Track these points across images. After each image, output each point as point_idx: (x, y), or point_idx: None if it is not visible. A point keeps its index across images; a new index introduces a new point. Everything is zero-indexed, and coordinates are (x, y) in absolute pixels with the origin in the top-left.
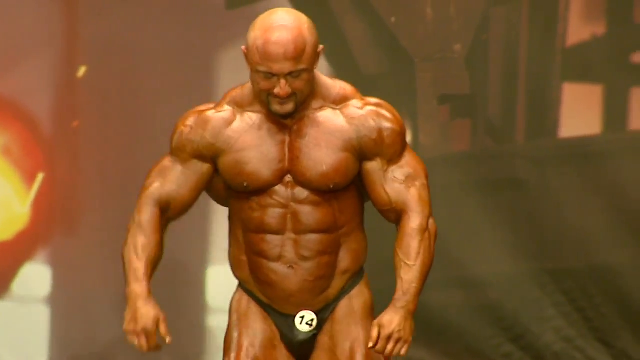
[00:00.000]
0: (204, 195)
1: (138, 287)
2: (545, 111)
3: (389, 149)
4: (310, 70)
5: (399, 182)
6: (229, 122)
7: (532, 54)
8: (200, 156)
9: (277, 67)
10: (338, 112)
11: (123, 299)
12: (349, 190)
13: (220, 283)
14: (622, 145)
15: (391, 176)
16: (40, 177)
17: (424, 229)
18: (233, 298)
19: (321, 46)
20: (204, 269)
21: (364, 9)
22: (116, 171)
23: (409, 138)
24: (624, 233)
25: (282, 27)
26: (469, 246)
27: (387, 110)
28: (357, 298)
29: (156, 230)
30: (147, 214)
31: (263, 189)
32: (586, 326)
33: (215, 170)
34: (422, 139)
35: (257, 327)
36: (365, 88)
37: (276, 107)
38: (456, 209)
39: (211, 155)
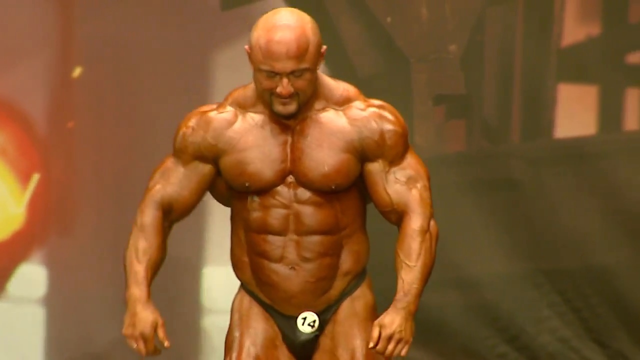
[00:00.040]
0: None
1: (137, 291)
2: (540, 112)
3: (391, 150)
4: (312, 70)
5: (401, 184)
6: (230, 123)
7: (528, 54)
8: (201, 157)
9: (280, 66)
10: (340, 113)
11: (119, 300)
12: (351, 192)
13: (216, 283)
14: (618, 145)
15: (392, 177)
16: (35, 177)
17: (425, 230)
18: (235, 298)
19: (324, 46)
20: (199, 269)
21: (359, 10)
22: (112, 172)
23: None
24: (619, 233)
25: (285, 26)
26: (464, 246)
27: (390, 112)
28: (359, 299)
29: (158, 233)
30: (149, 217)
31: (265, 190)
32: (582, 327)
33: (217, 171)
34: (418, 140)
35: (259, 327)
36: (360, 88)
37: (279, 108)
38: (451, 210)
39: (212, 156)
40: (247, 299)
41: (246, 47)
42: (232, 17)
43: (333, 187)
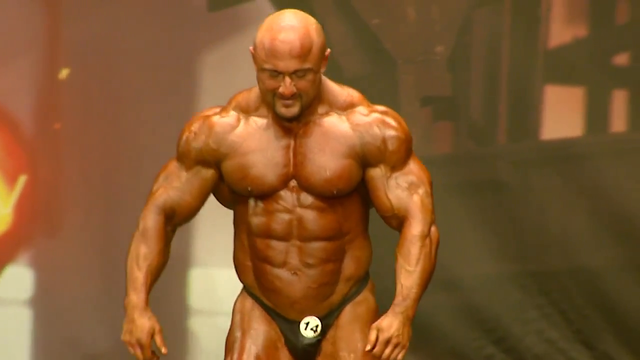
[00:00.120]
0: None
1: (135, 297)
2: (527, 113)
3: (392, 156)
4: (316, 71)
5: (402, 189)
6: (233, 127)
7: (514, 56)
8: (204, 162)
9: (283, 65)
10: (343, 118)
11: (106, 301)
12: (354, 197)
13: (202, 285)
14: (604, 147)
15: (394, 183)
16: (22, 178)
17: (425, 236)
18: (237, 300)
19: (328, 50)
20: (186, 270)
21: (346, 11)
22: (99, 173)
23: None
24: (606, 235)
25: (289, 26)
26: (450, 248)
27: (393, 118)
28: (362, 304)
29: (159, 239)
30: (150, 222)
31: (267, 194)
32: (568, 328)
33: (220, 175)
34: None
35: (261, 329)
36: None
37: (281, 110)
38: (438, 211)
39: (215, 161)
40: (249, 301)
41: (250, 48)
42: (219, 18)
43: (335, 192)
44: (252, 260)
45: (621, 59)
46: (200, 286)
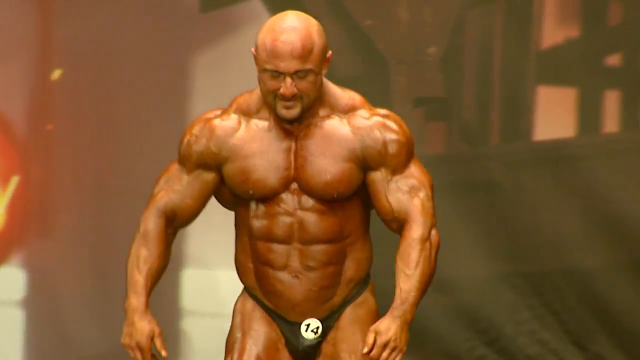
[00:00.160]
0: None
1: (135, 300)
2: (519, 114)
3: (393, 159)
4: (317, 72)
5: (402, 193)
6: (234, 130)
7: (507, 56)
8: (205, 166)
9: (284, 65)
10: (345, 121)
11: (98, 302)
12: (355, 199)
13: (195, 286)
14: (597, 148)
15: (394, 186)
16: (14, 179)
17: (425, 239)
18: (237, 301)
19: (330, 52)
20: (178, 271)
21: (338, 12)
22: (91, 174)
23: None
24: (598, 236)
25: (291, 27)
26: (443, 249)
27: (394, 121)
28: (362, 306)
29: (160, 241)
30: (151, 224)
31: (269, 197)
32: (560, 329)
33: (221, 178)
34: None
35: (262, 330)
36: None
37: (282, 112)
38: None
39: (216, 164)
40: (250, 302)
41: (252, 50)
42: (211, 19)
43: (335, 196)
44: (253, 263)
45: (613, 59)
46: (192, 287)
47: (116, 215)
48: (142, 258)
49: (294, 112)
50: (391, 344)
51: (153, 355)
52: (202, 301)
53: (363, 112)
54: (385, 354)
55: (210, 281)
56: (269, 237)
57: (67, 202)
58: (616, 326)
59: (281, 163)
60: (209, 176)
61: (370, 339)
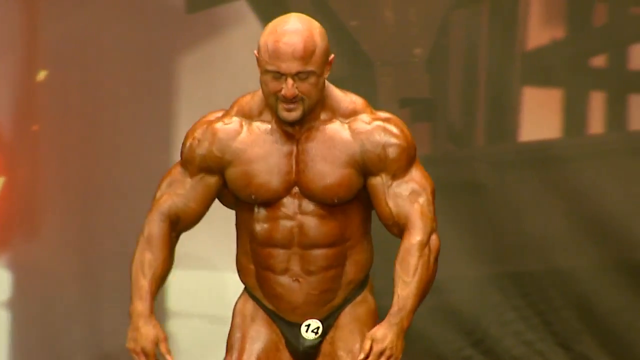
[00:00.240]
0: None
1: (140, 305)
2: (505, 115)
3: (393, 164)
4: (318, 75)
5: (402, 198)
6: (237, 134)
7: (492, 57)
8: (207, 169)
9: (285, 66)
10: (345, 125)
11: (84, 303)
12: (355, 203)
13: (181, 287)
14: (582, 149)
15: (395, 191)
16: (0, 180)
17: (424, 245)
18: (237, 301)
19: (332, 55)
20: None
21: (323, 13)
22: (77, 174)
23: None
24: (583, 237)
25: (293, 29)
26: None
27: (395, 125)
28: (361, 305)
29: (164, 246)
30: (155, 229)
31: (271, 201)
32: (546, 330)
33: (224, 182)
34: None
35: (262, 330)
36: None
37: (284, 114)
38: None
39: (218, 168)
40: (250, 303)
41: (255, 52)
42: (197, 20)
43: (335, 201)
44: (254, 265)
45: (599, 60)
46: (178, 288)
47: (102, 216)
48: (146, 262)
49: (295, 114)
50: (387, 352)
51: None
52: (187, 302)
53: (364, 117)
54: None
55: (198, 282)
56: (270, 242)
57: (53, 202)
58: (601, 327)
59: (283, 167)
60: (212, 179)
61: (367, 345)
